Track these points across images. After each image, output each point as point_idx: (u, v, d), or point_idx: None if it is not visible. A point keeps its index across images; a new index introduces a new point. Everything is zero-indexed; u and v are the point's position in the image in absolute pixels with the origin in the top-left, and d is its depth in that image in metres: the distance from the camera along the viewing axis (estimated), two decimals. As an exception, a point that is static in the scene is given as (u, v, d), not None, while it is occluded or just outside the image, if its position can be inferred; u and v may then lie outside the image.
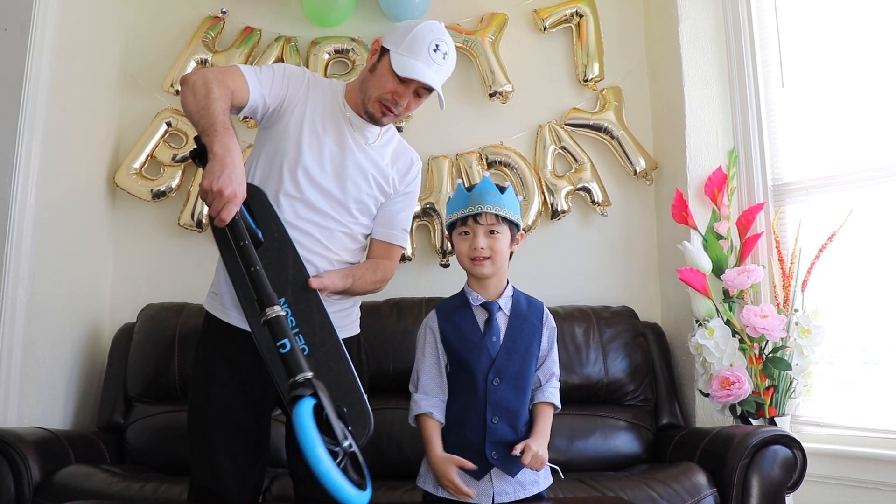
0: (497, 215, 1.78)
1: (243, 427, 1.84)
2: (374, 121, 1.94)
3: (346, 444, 1.39)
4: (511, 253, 1.86)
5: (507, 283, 1.87)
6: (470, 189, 1.82)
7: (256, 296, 1.56)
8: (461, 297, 1.87)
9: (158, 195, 3.14)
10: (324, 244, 1.89)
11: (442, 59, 1.89)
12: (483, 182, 1.82)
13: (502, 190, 1.82)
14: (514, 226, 1.83)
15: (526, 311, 1.86)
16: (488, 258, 1.79)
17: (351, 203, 1.92)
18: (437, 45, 1.87)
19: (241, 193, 1.60)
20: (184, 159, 3.14)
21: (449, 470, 1.71)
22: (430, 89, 1.90)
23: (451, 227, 1.85)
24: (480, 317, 1.82)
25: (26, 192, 2.63)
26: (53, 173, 2.76)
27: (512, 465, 1.76)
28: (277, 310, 1.53)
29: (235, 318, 1.84)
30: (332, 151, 1.91)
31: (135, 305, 3.01)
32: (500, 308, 1.83)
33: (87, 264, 3.04)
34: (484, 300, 1.83)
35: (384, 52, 1.90)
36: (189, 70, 3.18)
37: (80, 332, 2.96)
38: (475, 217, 1.78)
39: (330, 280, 1.81)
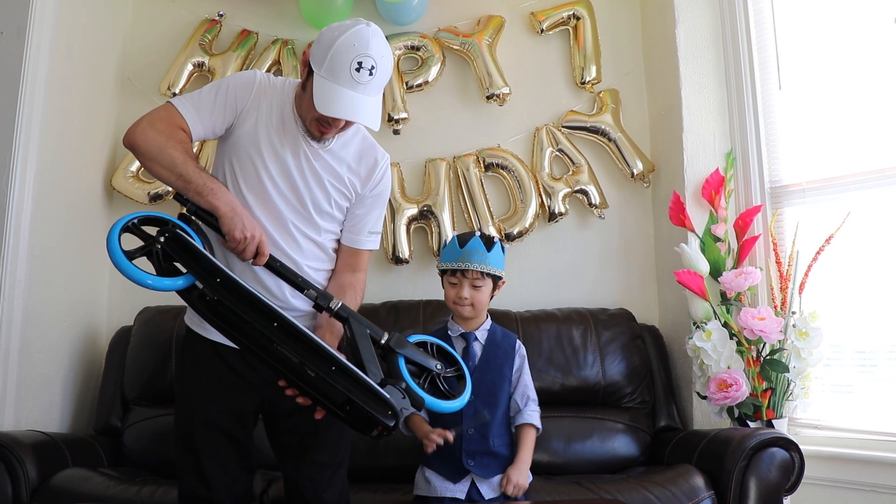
0: (481, 272, 2.06)
1: (230, 435, 1.85)
2: (314, 138, 1.86)
3: (435, 367, 1.86)
4: (492, 296, 2.15)
5: (487, 317, 2.19)
6: (462, 244, 2.08)
7: (313, 298, 1.79)
8: (444, 330, 2.19)
9: (155, 198, 3.13)
10: (291, 257, 1.87)
11: (367, 77, 1.72)
12: (473, 241, 2.08)
13: (490, 246, 2.08)
14: (496, 277, 2.11)
15: (500, 340, 2.17)
16: (470, 305, 2.09)
17: (312, 212, 1.89)
18: (359, 63, 1.70)
19: (260, 230, 1.76)
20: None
21: (431, 432, 1.96)
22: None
23: (443, 272, 2.14)
24: (459, 345, 2.12)
25: (23, 195, 2.62)
26: (50, 176, 2.76)
27: (486, 471, 2.03)
28: (337, 302, 1.80)
29: (214, 333, 1.80)
30: (287, 161, 1.86)
31: (132, 308, 3.00)
32: (476, 338, 2.14)
33: (84, 267, 3.03)
34: (462, 331, 2.14)
35: (311, 69, 1.76)
36: (185, 75, 3.18)
37: (77, 336, 2.96)
38: (462, 272, 2.07)
39: (332, 342, 1.85)
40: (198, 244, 1.73)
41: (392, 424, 1.60)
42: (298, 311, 1.89)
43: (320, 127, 1.81)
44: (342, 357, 1.65)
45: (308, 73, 1.78)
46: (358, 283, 1.99)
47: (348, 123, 1.82)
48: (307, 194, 1.88)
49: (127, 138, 1.77)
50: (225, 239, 1.73)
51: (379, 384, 1.63)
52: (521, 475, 2.01)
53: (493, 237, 2.12)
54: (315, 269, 1.92)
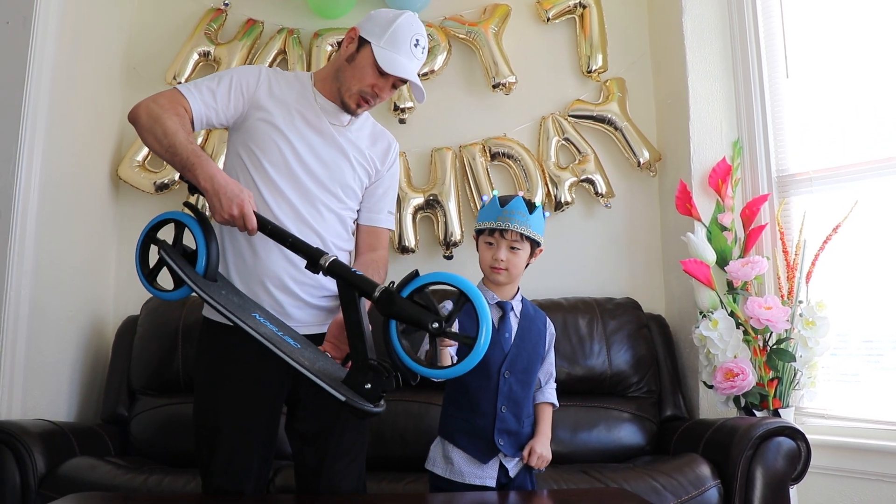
0: (521, 234, 1.93)
1: (256, 426, 1.85)
2: (349, 111, 1.94)
3: (432, 326, 1.57)
4: (528, 264, 2.00)
5: (518, 289, 2.03)
6: (503, 204, 1.95)
7: (306, 256, 1.68)
8: None
9: (161, 188, 3.14)
10: (317, 231, 1.88)
11: (421, 54, 1.91)
12: (515, 200, 1.95)
13: (532, 209, 1.95)
14: (535, 243, 1.97)
15: (533, 315, 2.04)
16: (506, 269, 1.95)
17: (337, 187, 1.92)
18: (417, 40, 1.88)
19: (246, 199, 1.69)
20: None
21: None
22: (404, 82, 1.92)
23: (479, 232, 2.00)
24: (495, 314, 1.96)
25: (29, 184, 2.63)
26: (56, 166, 2.76)
27: (513, 449, 1.94)
28: (329, 256, 1.66)
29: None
30: (312, 139, 1.91)
31: (139, 298, 3.00)
32: (512, 308, 1.99)
33: (91, 257, 3.04)
34: (499, 299, 1.98)
35: (363, 42, 1.89)
36: (190, 65, 3.18)
37: (84, 325, 2.97)
38: (501, 231, 1.94)
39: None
40: (198, 235, 1.74)
41: (368, 409, 1.55)
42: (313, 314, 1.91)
43: (360, 100, 1.91)
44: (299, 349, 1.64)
45: (357, 47, 1.89)
46: (380, 259, 2.02)
47: (392, 90, 1.93)
48: (336, 169, 1.92)
49: (131, 113, 1.80)
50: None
51: (359, 362, 1.58)
52: (544, 448, 1.95)
53: (536, 202, 2.03)
54: (338, 246, 1.94)
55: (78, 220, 2.93)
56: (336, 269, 1.65)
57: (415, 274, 1.62)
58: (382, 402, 1.59)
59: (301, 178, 1.88)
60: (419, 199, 3.12)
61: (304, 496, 1.94)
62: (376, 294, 1.60)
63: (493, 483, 1.91)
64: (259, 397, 1.85)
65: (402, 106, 3.17)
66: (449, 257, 3.12)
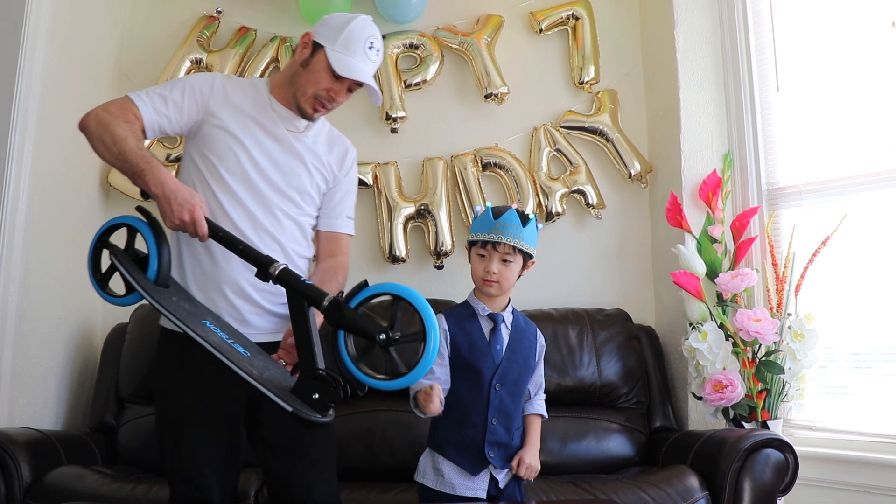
0: (514, 247, 1.92)
1: (218, 434, 1.84)
2: (306, 116, 1.93)
3: (379, 337, 1.56)
4: (519, 276, 2.00)
5: (509, 301, 2.03)
6: (496, 216, 1.95)
7: (256, 264, 1.66)
8: (468, 307, 2.02)
9: (147, 195, 3.11)
10: (276, 238, 1.88)
11: (375, 57, 1.90)
12: (509, 213, 1.95)
13: (525, 221, 1.95)
14: (527, 255, 1.97)
15: (524, 327, 2.04)
16: (497, 282, 1.94)
17: (295, 194, 1.92)
18: (371, 43, 1.88)
19: (198, 205, 1.68)
20: (177, 159, 3.12)
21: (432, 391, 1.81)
22: (361, 85, 1.92)
23: (472, 243, 1.99)
24: (486, 326, 1.98)
25: (18, 191, 2.61)
26: (46, 173, 2.75)
27: (502, 461, 1.94)
28: (279, 265, 1.64)
29: None
30: (269, 145, 1.89)
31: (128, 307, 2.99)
32: (503, 320, 2.00)
33: (80, 264, 2.96)
34: (490, 311, 1.99)
35: (317, 47, 1.88)
36: (182, 71, 3.17)
37: (72, 332, 2.95)
38: (494, 244, 1.93)
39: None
40: (150, 240, 1.74)
41: (315, 419, 1.55)
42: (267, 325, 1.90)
43: (315, 104, 1.89)
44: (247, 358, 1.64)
45: (312, 52, 1.89)
46: (340, 266, 2.00)
47: (348, 94, 1.92)
48: (293, 175, 1.91)
49: (80, 122, 1.78)
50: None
51: (307, 372, 1.57)
52: (533, 458, 1.95)
53: (529, 214, 2.01)
54: (298, 253, 1.94)
55: (67, 226, 2.91)
56: (285, 278, 1.63)
57: (364, 284, 1.62)
58: (331, 411, 1.59)
59: (258, 185, 1.87)
60: (410, 209, 3.12)
61: None
62: (325, 304, 1.59)
63: (483, 494, 1.92)
64: (218, 406, 1.84)
65: (394, 115, 3.17)
66: (440, 267, 3.12)
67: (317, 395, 1.56)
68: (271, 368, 1.67)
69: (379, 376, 1.60)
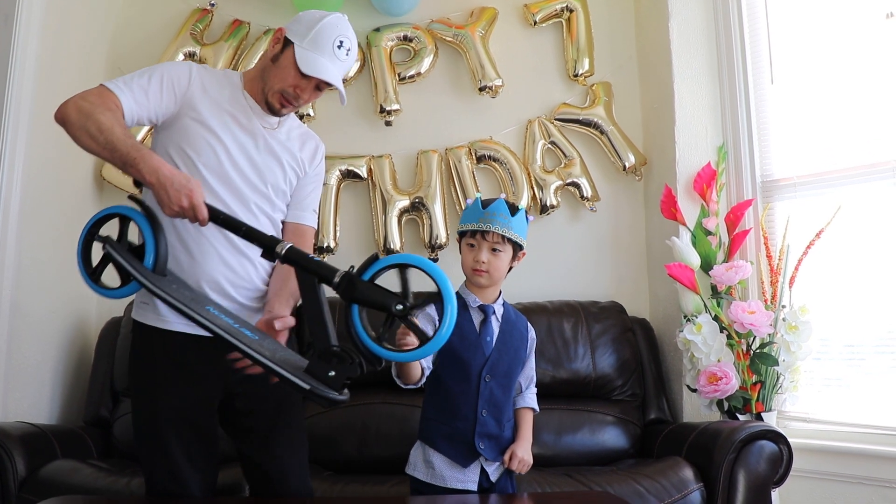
0: (503, 236, 1.92)
1: (197, 427, 1.83)
2: (273, 111, 1.91)
3: (395, 307, 1.52)
4: (510, 268, 1.99)
5: (500, 293, 2.02)
6: (485, 206, 1.94)
7: (262, 245, 1.64)
8: (458, 298, 1.95)
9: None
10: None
11: (345, 56, 1.87)
12: (497, 202, 1.95)
13: (514, 212, 1.94)
14: (517, 246, 1.96)
15: (514, 319, 2.04)
16: (487, 272, 1.93)
17: (269, 190, 1.91)
18: (340, 42, 1.85)
19: (195, 189, 1.64)
20: None
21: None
22: (330, 84, 1.89)
23: (462, 234, 2.00)
24: (476, 317, 1.97)
25: (11, 184, 2.60)
26: (39, 166, 2.74)
27: (493, 453, 1.93)
28: (286, 244, 1.61)
29: (175, 322, 1.79)
30: (245, 141, 1.88)
31: (122, 299, 2.98)
32: (493, 312, 1.99)
33: (74, 257, 2.99)
34: (481, 303, 1.98)
35: (287, 43, 1.86)
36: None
37: (66, 326, 2.95)
38: (483, 233, 1.93)
39: (284, 316, 1.79)
40: (145, 228, 1.71)
41: (333, 397, 1.52)
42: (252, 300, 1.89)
43: (282, 100, 1.88)
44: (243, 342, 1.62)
45: (282, 48, 1.87)
46: None
47: (316, 92, 1.90)
48: (267, 172, 1.90)
49: (57, 112, 1.75)
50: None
51: (321, 349, 1.55)
52: (526, 452, 1.94)
53: (518, 205, 2.01)
54: None
55: (60, 219, 2.91)
56: (293, 257, 1.61)
57: (375, 257, 1.59)
58: (346, 389, 1.57)
59: (235, 181, 1.85)
60: (405, 202, 3.12)
61: (282, 500, 1.92)
62: (336, 279, 1.56)
63: (474, 487, 1.91)
64: (194, 398, 1.83)
65: (388, 108, 3.17)
66: (434, 260, 3.12)
67: (333, 373, 1.54)
68: (281, 350, 1.66)
69: (396, 349, 1.58)
